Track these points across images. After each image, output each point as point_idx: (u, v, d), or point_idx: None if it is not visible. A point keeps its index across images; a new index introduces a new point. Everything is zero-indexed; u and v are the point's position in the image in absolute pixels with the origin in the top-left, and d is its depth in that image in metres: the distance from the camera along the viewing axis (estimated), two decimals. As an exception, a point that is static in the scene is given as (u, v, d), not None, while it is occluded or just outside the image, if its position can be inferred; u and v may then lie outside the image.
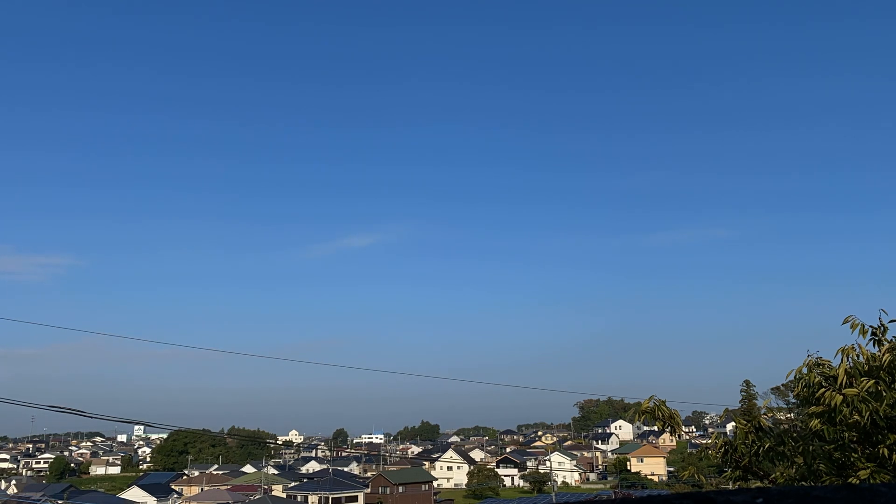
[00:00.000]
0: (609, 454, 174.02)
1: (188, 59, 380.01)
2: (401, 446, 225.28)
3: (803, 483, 10.18)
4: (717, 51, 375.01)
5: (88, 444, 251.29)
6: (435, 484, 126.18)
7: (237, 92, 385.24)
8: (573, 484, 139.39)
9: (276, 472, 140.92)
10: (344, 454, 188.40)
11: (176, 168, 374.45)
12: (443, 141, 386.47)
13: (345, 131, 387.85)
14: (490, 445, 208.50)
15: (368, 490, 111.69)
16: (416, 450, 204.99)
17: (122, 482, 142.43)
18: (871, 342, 9.77)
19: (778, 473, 11.05)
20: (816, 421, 9.91)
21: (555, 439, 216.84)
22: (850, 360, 9.70)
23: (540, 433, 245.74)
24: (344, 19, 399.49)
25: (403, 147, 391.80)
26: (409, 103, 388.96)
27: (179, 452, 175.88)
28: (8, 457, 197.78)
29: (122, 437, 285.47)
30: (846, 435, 9.64)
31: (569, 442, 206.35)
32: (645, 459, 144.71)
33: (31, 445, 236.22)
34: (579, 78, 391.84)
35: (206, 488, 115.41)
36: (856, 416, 9.22)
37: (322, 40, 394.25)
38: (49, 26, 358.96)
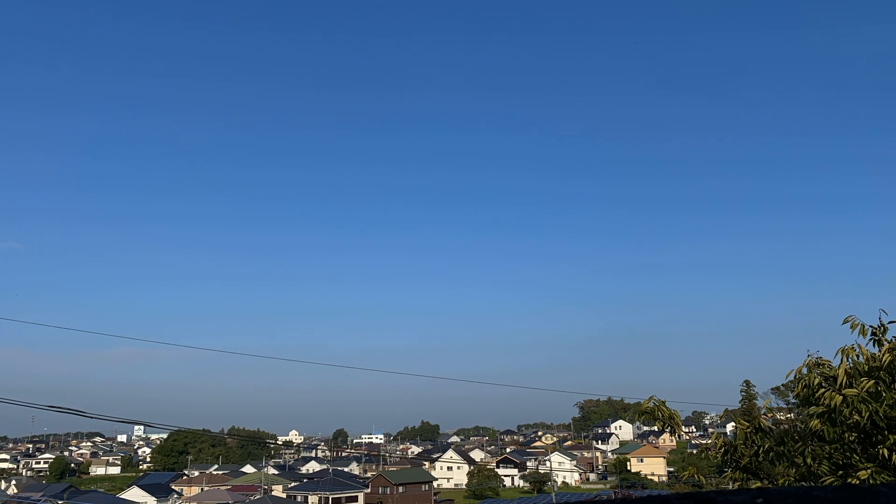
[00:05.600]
0: (609, 454, 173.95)
1: (190, 63, 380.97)
2: (401, 446, 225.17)
3: (803, 483, 10.18)
4: (735, 57, 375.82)
5: (88, 444, 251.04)
6: (435, 484, 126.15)
7: (240, 96, 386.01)
8: (573, 484, 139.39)
9: (276, 472, 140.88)
10: (344, 454, 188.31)
11: (175, 171, 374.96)
12: (444, 145, 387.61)
13: (344, 135, 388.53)
14: (490, 445, 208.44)
15: (368, 490, 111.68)
16: (416, 450, 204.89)
17: (122, 482, 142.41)
18: (871, 342, 9.77)
19: (778, 474, 11.05)
20: (816, 421, 9.91)
21: (555, 439, 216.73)
22: (849, 360, 9.70)
23: (540, 433, 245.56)
24: (336, 30, 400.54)
25: (404, 150, 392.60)
26: (409, 109, 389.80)
27: (179, 452, 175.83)
28: (8, 457, 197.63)
29: (122, 437, 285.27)
30: (846, 435, 9.64)
31: (569, 442, 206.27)
32: (645, 459, 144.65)
33: (31, 445, 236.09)
34: (590, 83, 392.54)
35: (206, 488, 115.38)
36: (856, 417, 9.22)
37: (321, 48, 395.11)
38: (50, 29, 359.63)
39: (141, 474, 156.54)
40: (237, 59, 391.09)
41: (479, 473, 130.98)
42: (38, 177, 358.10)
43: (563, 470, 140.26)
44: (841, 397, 9.26)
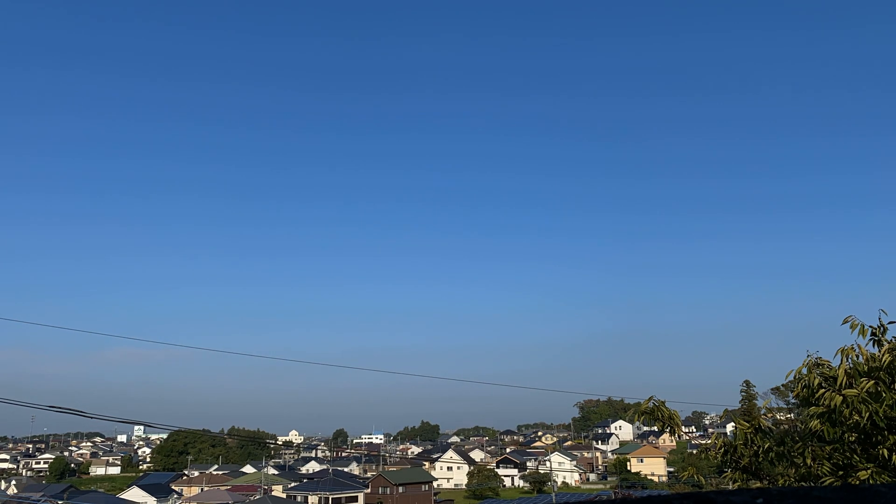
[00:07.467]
0: (609, 454, 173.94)
1: (187, 65, 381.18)
2: (401, 446, 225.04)
3: (803, 484, 10.17)
4: (730, 58, 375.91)
5: (88, 444, 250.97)
6: (435, 484, 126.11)
7: (246, 99, 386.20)
8: (573, 484, 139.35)
9: (276, 472, 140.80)
10: (344, 454, 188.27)
11: (175, 171, 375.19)
12: (444, 146, 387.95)
13: (347, 137, 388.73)
14: (490, 445, 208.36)
15: (368, 490, 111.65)
16: (416, 450, 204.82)
17: (122, 482, 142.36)
18: (871, 342, 9.75)
19: (778, 474, 11.04)
20: (816, 422, 9.90)
21: (555, 439, 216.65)
22: (849, 360, 9.69)
23: (540, 433, 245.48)
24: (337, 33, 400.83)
25: (404, 152, 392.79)
26: (411, 111, 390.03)
27: (179, 452, 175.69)
28: (8, 457, 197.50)
29: (122, 438, 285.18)
30: (846, 436, 9.63)
31: (569, 442, 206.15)
32: (645, 460, 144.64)
33: (31, 445, 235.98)
34: (588, 84, 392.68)
35: (206, 488, 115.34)
36: (856, 417, 9.21)
37: (319, 51, 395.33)
38: (48, 31, 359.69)
39: (141, 474, 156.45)
40: (234, 62, 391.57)
41: (479, 473, 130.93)
42: (38, 178, 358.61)
43: (563, 470, 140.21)
44: (841, 398, 9.25)
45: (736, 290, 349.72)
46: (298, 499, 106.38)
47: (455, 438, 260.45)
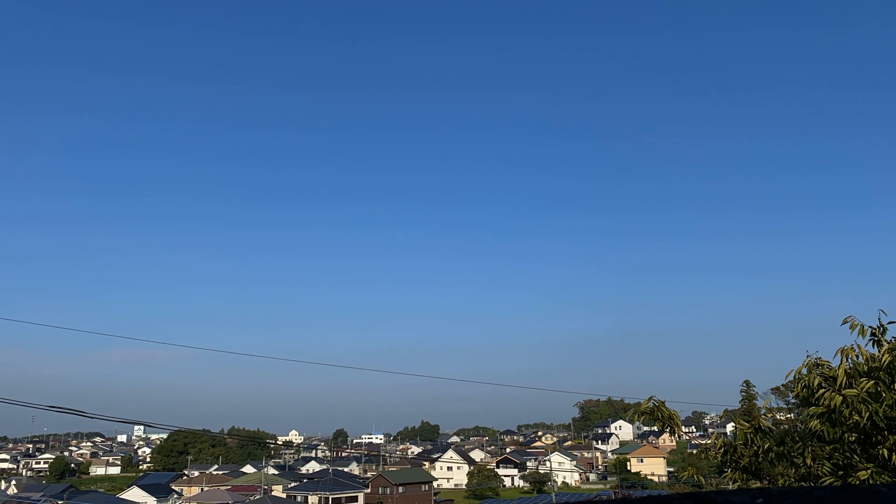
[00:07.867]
0: (609, 454, 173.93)
1: (196, 67, 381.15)
2: (401, 446, 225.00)
3: (803, 484, 10.18)
4: (726, 58, 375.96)
5: (88, 444, 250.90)
6: (435, 484, 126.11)
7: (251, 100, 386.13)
8: (573, 484, 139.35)
9: (276, 472, 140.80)
10: (344, 454, 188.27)
11: (174, 172, 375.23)
12: (444, 146, 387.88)
13: (347, 137, 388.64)
14: (490, 445, 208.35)
15: (368, 490, 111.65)
16: (416, 450, 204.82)
17: (122, 482, 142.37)
18: (871, 343, 9.76)
19: (778, 474, 11.04)
20: (816, 422, 9.90)
21: (555, 439, 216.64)
22: (849, 360, 9.69)
23: (540, 433, 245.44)
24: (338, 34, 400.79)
25: (404, 152, 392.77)
26: (411, 111, 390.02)
27: (179, 452, 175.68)
28: (8, 457, 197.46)
29: (122, 437, 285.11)
30: (846, 436, 9.63)
31: (569, 442, 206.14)
32: (645, 460, 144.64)
33: (31, 445, 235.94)
34: (589, 84, 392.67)
35: (206, 488, 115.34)
36: (855, 417, 9.21)
37: (316, 52, 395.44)
38: (48, 32, 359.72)
39: (141, 474, 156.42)
40: (235, 62, 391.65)
41: (479, 473, 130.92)
42: (38, 178, 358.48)
43: (563, 470, 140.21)
44: (841, 398, 9.26)
45: (736, 290, 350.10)
46: (298, 499, 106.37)
47: (455, 438, 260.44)
